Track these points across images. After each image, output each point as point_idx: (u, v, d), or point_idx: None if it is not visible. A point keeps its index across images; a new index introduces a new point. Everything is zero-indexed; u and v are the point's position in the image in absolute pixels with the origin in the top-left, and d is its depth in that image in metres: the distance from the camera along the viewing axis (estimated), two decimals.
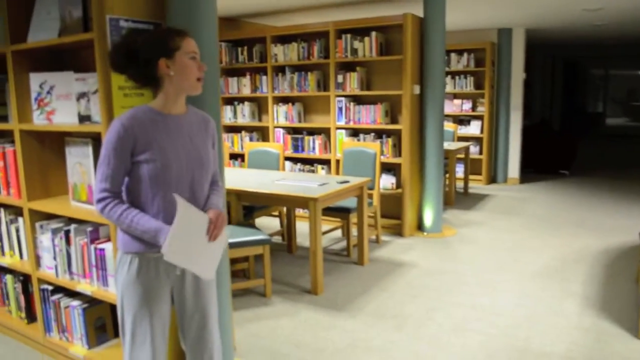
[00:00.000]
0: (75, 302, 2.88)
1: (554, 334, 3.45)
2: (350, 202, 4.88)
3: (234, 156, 6.75)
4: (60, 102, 2.74)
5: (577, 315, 3.75)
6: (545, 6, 6.48)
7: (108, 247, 2.61)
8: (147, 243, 1.93)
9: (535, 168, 9.92)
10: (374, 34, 5.58)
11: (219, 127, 2.90)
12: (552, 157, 9.90)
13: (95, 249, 2.64)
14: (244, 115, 6.62)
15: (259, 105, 6.66)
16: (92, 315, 2.86)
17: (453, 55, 8.64)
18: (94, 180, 2.59)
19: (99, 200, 1.89)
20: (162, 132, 1.93)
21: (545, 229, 5.96)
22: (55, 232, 2.82)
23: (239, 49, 6.55)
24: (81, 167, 2.69)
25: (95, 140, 2.61)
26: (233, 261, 4.26)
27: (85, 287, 2.72)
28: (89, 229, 2.68)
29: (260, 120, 6.68)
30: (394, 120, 5.76)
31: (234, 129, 6.81)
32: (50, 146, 3.00)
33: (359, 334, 3.47)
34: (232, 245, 3.72)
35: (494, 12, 6.99)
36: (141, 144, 1.88)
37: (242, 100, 6.66)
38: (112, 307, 2.92)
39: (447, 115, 8.88)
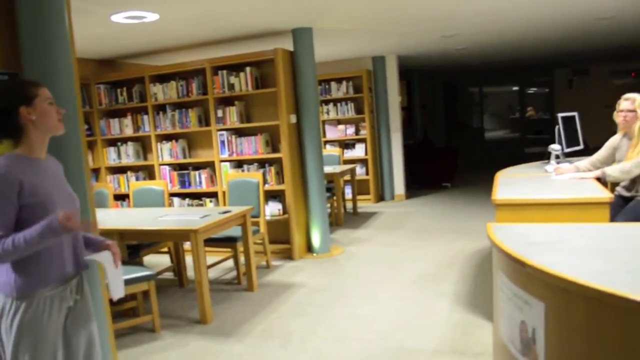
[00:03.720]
0: None
1: (427, 332, 3.78)
2: (237, 231, 5.02)
3: (120, 197, 6.69)
4: None
5: (448, 312, 4.11)
6: (408, 35, 7.07)
7: None
8: (40, 279, 2.00)
9: (421, 183, 10.57)
10: (248, 69, 5.83)
11: (87, 167, 2.99)
12: (435, 171, 10.61)
13: None
14: (128, 155, 6.61)
15: (143, 145, 6.68)
16: None
17: (333, 84, 9.10)
18: None
19: None
20: (40, 176, 2.03)
21: (425, 239, 6.41)
22: None
23: (119, 90, 6.56)
24: None
25: None
26: (120, 300, 4.25)
27: None
28: None
29: (145, 159, 6.69)
30: (275, 150, 6.00)
31: (119, 170, 6.76)
32: None
33: (246, 356, 3.60)
34: None
35: (364, 43, 7.51)
36: (27, 188, 1.95)
37: (125, 140, 6.65)
38: None
39: (332, 141, 9.30)
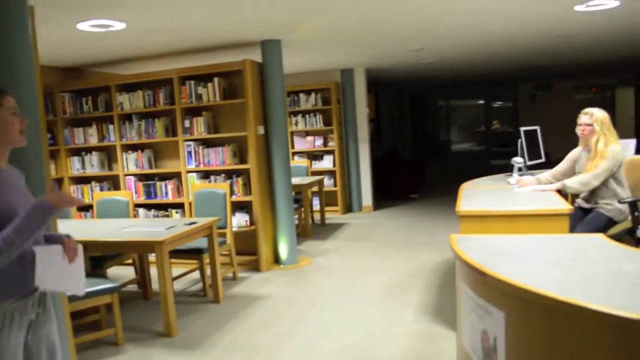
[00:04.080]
0: None
1: (392, 342, 3.80)
2: (203, 242, 4.97)
3: (84, 208, 6.56)
4: None
5: (413, 322, 4.15)
6: (376, 48, 7.16)
7: None
8: (1, 292, 1.94)
9: (388, 195, 10.65)
10: (216, 79, 5.82)
11: (48, 176, 2.93)
12: (402, 183, 10.72)
13: None
14: (92, 165, 6.50)
15: (108, 154, 6.58)
16: None
17: (302, 95, 9.14)
18: None
19: None
20: (2, 185, 1.99)
21: (392, 250, 6.47)
22: None
23: (84, 99, 6.46)
24: None
25: None
26: (82, 313, 4.17)
27: None
28: None
29: (110, 169, 6.59)
30: (242, 160, 5.98)
31: (83, 180, 6.64)
32: None
33: None
34: (76, 298, 3.65)
35: (332, 55, 7.57)
36: None
37: (89, 150, 6.54)
38: None
39: (301, 152, 9.33)
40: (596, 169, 3.96)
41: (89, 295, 3.76)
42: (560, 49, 8.41)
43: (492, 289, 2.18)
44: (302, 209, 7.59)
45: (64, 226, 3.89)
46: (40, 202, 1.92)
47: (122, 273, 5.77)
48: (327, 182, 9.16)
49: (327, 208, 8.88)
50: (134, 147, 6.37)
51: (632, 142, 5.19)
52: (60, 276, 2.17)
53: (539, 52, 8.60)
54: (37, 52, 2.95)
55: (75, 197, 2.02)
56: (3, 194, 1.98)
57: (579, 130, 4.20)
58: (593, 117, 4.07)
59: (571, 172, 4.33)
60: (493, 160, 16.58)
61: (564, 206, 3.50)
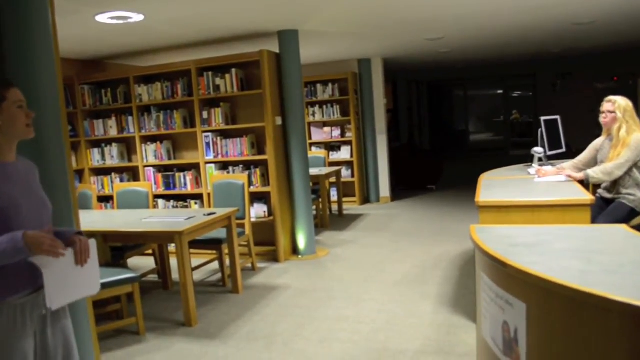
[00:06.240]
0: None
1: (410, 333, 3.80)
2: (221, 233, 5.01)
3: (104, 199, 6.64)
4: None
5: (432, 313, 4.13)
6: (393, 37, 7.10)
7: None
8: (9, 287, 1.90)
9: (406, 185, 10.62)
10: (234, 70, 5.83)
11: (70, 168, 2.97)
12: (420, 174, 10.66)
13: None
14: (112, 156, 6.56)
15: (128, 146, 6.64)
16: None
17: (319, 86, 9.13)
18: None
19: None
20: (5, 180, 1.94)
21: (409, 241, 6.45)
22: None
23: (103, 91, 6.52)
24: None
25: None
26: (104, 303, 4.23)
27: None
28: None
29: (130, 160, 6.65)
30: (260, 151, 6.00)
31: (103, 171, 6.71)
32: None
33: (231, 358, 3.59)
34: None
35: (349, 45, 7.53)
36: None
37: (109, 141, 6.60)
38: None
39: (318, 143, 9.32)
40: (619, 158, 3.90)
41: (111, 285, 3.81)
42: (580, 36, 8.27)
43: (514, 280, 2.16)
44: (320, 200, 7.60)
45: (85, 217, 3.95)
46: (16, 241, 1.79)
47: (143, 263, 5.84)
48: (345, 172, 9.15)
49: (344, 199, 8.88)
50: (152, 139, 6.42)
51: None
52: (74, 284, 2.01)
53: (559, 39, 8.46)
54: (57, 44, 2.98)
55: (58, 246, 1.86)
56: (5, 187, 1.93)
57: (601, 118, 4.13)
58: (615, 105, 4.00)
59: (593, 162, 4.27)
60: (512, 151, 16.41)
61: (586, 196, 3.45)
